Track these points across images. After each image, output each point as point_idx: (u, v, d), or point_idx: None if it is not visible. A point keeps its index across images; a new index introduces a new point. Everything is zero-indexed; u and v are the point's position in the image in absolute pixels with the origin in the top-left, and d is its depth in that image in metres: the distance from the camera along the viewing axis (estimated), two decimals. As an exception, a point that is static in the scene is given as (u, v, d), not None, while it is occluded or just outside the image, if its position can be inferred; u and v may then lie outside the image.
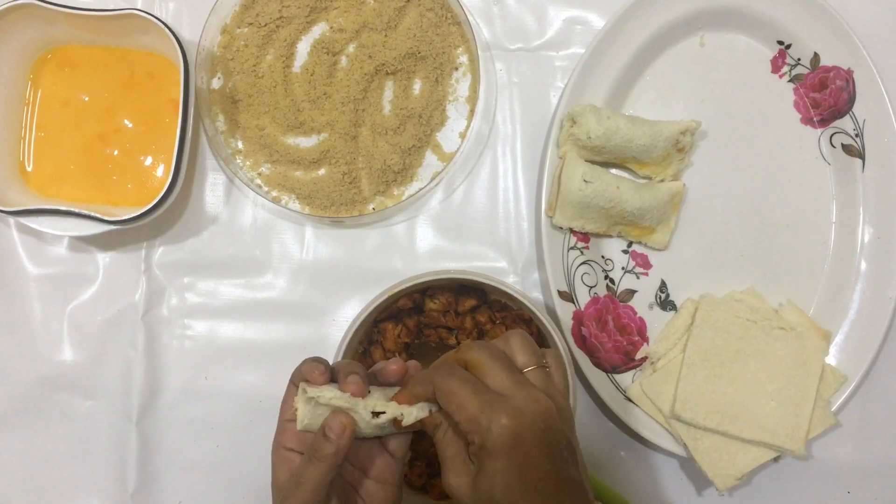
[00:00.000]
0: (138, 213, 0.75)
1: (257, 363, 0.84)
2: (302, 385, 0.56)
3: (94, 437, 0.83)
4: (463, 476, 0.53)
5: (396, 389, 0.58)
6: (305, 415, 0.56)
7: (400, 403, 0.57)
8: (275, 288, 0.84)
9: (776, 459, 0.80)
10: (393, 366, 0.58)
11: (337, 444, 0.54)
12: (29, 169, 0.81)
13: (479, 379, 0.54)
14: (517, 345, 0.56)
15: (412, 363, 0.61)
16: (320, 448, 0.54)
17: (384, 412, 0.56)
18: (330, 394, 0.55)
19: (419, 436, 0.74)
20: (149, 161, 0.82)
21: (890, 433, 0.85)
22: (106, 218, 0.74)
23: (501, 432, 0.50)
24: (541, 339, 0.77)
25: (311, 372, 0.56)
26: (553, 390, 0.55)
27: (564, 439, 0.53)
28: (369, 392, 0.57)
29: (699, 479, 0.84)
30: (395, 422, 0.56)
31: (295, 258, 0.85)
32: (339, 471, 0.56)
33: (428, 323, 0.79)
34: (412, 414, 0.56)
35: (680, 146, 0.81)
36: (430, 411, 0.57)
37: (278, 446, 0.59)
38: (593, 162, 0.81)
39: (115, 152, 0.82)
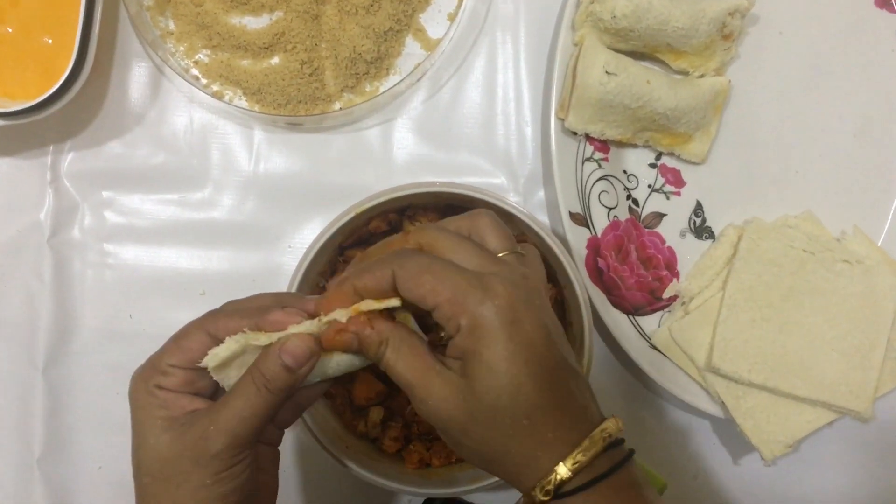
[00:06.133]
0: (34, 103, 0.66)
1: (195, 298, 0.75)
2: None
3: (-8, 389, 0.74)
4: (447, 389, 0.45)
5: None
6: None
7: (326, 311, 0.48)
8: (217, 206, 0.76)
9: (830, 422, 0.73)
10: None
11: (296, 373, 0.47)
12: None
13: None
14: (487, 226, 0.50)
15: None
16: (275, 377, 0.47)
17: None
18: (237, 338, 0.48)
19: (394, 390, 0.65)
20: (52, 41, 0.71)
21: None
22: (-5, 110, 0.65)
23: (500, 304, 0.44)
24: (549, 270, 0.66)
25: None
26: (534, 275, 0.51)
27: (557, 320, 0.49)
28: None
29: (736, 445, 0.77)
30: (321, 341, 0.48)
31: (242, 169, 0.76)
32: None
33: (407, 251, 0.69)
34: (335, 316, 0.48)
35: (726, 31, 0.73)
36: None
37: (149, 384, 0.51)
38: (617, 50, 0.73)
39: (10, 30, 0.71)
